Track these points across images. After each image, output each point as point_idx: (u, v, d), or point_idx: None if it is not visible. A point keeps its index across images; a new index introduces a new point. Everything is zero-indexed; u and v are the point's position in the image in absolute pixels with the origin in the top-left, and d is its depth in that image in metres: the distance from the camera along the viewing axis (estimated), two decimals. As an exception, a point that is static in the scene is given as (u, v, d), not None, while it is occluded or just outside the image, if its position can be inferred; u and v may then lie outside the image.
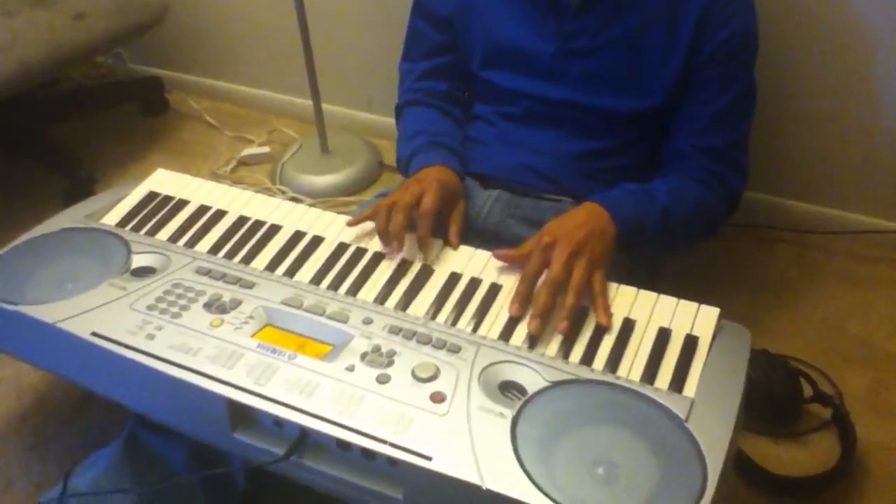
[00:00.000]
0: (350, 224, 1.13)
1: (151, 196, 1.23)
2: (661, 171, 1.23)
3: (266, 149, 1.96)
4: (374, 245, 1.11)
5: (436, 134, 1.25)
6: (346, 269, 1.07)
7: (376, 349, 0.93)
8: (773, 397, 1.21)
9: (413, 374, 0.89)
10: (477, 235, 1.18)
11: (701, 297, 1.00)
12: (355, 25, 1.86)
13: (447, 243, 1.11)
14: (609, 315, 0.98)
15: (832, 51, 1.44)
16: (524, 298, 0.99)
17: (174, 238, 1.14)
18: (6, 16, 1.63)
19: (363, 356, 0.92)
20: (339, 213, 1.19)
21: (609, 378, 0.90)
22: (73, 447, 1.23)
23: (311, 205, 1.67)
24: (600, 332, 0.96)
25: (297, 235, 1.13)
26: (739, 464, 1.16)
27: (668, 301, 1.00)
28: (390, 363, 0.91)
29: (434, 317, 0.99)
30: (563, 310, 0.96)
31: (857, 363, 1.36)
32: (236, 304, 1.00)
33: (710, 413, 0.85)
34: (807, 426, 1.24)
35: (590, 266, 0.99)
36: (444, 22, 1.29)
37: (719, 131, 1.19)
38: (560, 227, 1.02)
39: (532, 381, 0.90)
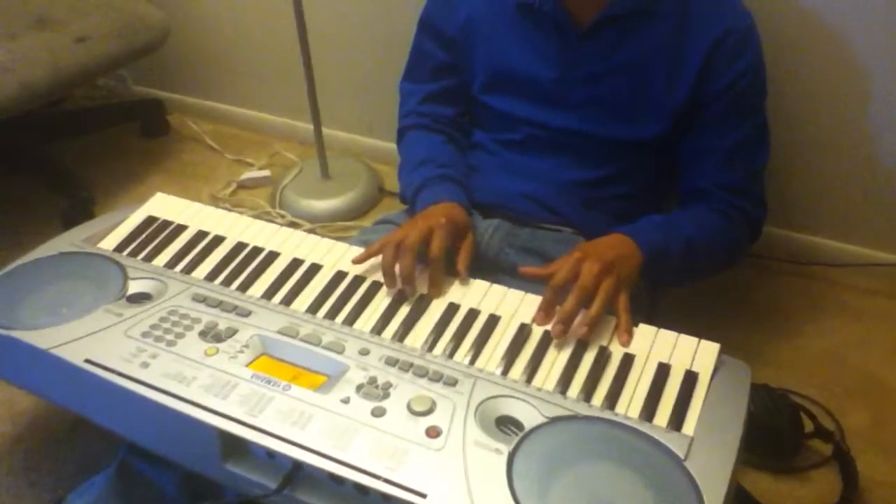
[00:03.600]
0: (356, 261, 1.11)
1: (149, 221, 1.23)
2: (682, 208, 1.23)
3: (266, 172, 1.96)
4: (372, 275, 1.10)
5: (444, 165, 1.23)
6: (343, 297, 1.06)
7: (372, 381, 0.92)
8: (774, 432, 1.19)
9: (409, 408, 0.88)
10: (477, 265, 1.17)
11: (701, 328, 0.99)
12: (357, 50, 1.87)
13: (453, 274, 1.09)
14: (630, 335, 0.99)
15: (833, 84, 1.44)
16: (550, 305, 1.01)
17: (171, 264, 1.14)
18: (9, 38, 1.63)
19: (359, 388, 0.91)
20: (338, 238, 1.18)
21: (607, 414, 0.89)
22: (65, 474, 1.21)
23: (311, 230, 1.68)
24: (599, 367, 0.95)
25: (295, 263, 1.13)
26: (739, 499, 1.14)
27: (667, 336, 0.99)
28: (386, 395, 0.90)
29: (431, 348, 0.98)
30: (585, 316, 0.98)
31: (858, 397, 1.35)
32: (232, 332, 0.99)
33: (709, 452, 0.84)
34: (807, 462, 1.23)
35: (617, 284, 1.01)
36: (449, 41, 1.27)
37: (738, 166, 1.19)
38: (591, 247, 1.06)
39: (529, 416, 0.89)
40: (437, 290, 1.06)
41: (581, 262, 1.01)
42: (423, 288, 1.07)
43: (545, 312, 1.01)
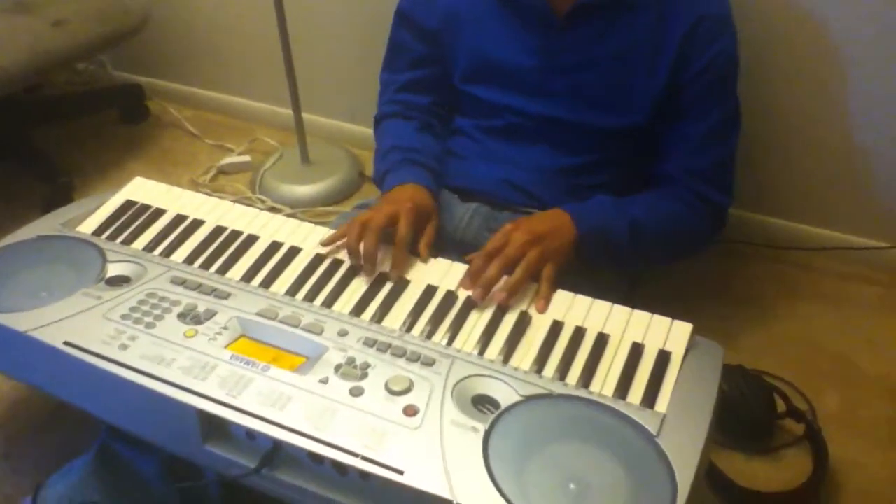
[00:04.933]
0: (323, 243, 1.12)
1: (128, 204, 1.23)
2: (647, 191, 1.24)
3: (246, 157, 1.95)
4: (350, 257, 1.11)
5: (410, 150, 1.25)
6: (322, 280, 1.07)
7: (350, 361, 0.93)
8: (747, 412, 1.21)
9: (386, 388, 0.89)
10: (455, 248, 1.18)
11: (678, 312, 1.00)
12: (337, 35, 1.86)
13: (416, 254, 1.11)
14: (547, 302, 1.03)
15: (810, 73, 1.46)
16: (478, 273, 1.04)
17: (150, 247, 1.14)
18: (-14, 21, 1.62)
19: (337, 368, 0.92)
20: (317, 223, 1.19)
21: (582, 393, 0.90)
22: (46, 458, 1.22)
23: (291, 214, 1.68)
24: (574, 346, 0.96)
25: (274, 246, 1.13)
26: (712, 478, 1.16)
27: (641, 316, 1.00)
28: (364, 376, 0.91)
29: (409, 329, 0.99)
30: (507, 283, 1.03)
31: (833, 380, 1.37)
32: (211, 314, 1.00)
33: (681, 428, 0.86)
34: (780, 442, 1.25)
35: (543, 254, 1.05)
36: (428, 34, 1.28)
37: (706, 152, 1.20)
38: (526, 220, 1.10)
39: (505, 395, 0.90)
40: (398, 270, 1.07)
41: (511, 233, 1.06)
42: (386, 267, 1.08)
43: (471, 279, 1.05)
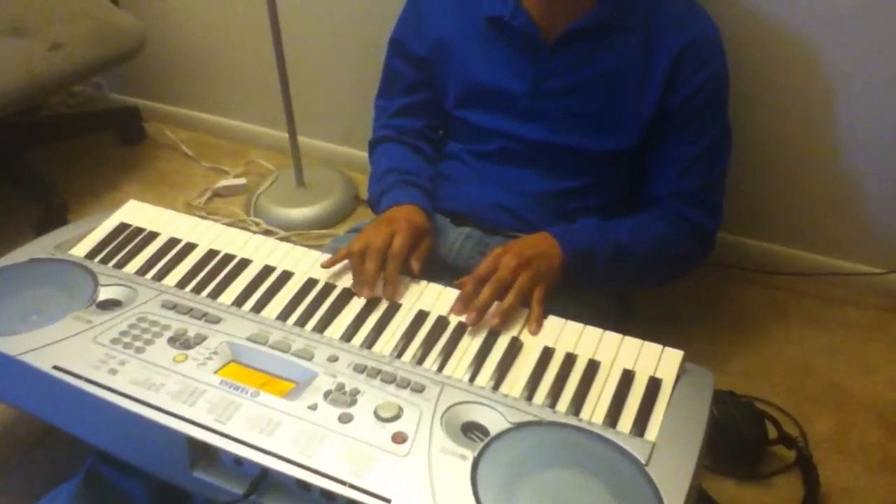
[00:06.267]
0: (324, 266, 1.13)
1: (121, 228, 1.23)
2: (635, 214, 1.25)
3: (242, 180, 1.96)
4: (343, 281, 1.11)
5: (405, 172, 1.26)
6: (313, 305, 1.07)
7: (340, 387, 0.93)
8: (738, 439, 1.21)
9: (375, 414, 0.89)
10: (447, 272, 1.18)
11: (668, 337, 1.01)
12: (332, 59, 1.88)
13: (410, 274, 1.11)
14: (538, 325, 1.04)
15: (800, 95, 1.47)
16: (469, 298, 1.05)
17: (142, 271, 1.14)
18: (-18, 44, 1.63)
19: (326, 394, 0.92)
20: (311, 247, 1.19)
21: (572, 420, 0.90)
22: (34, 481, 1.21)
23: (284, 238, 1.68)
24: (565, 373, 0.96)
25: (267, 270, 1.13)
26: (704, 505, 1.16)
27: (632, 343, 1.01)
28: (353, 402, 0.91)
29: (400, 355, 0.99)
30: (500, 307, 1.04)
31: (823, 405, 1.37)
32: (201, 339, 1.00)
33: (670, 457, 0.86)
34: (771, 468, 1.25)
35: (533, 278, 1.07)
36: (420, 61, 1.30)
37: (694, 175, 1.21)
38: (514, 244, 1.11)
39: (495, 422, 0.90)
40: (392, 288, 1.08)
41: (500, 257, 1.07)
42: (378, 289, 1.09)
43: (463, 303, 1.05)
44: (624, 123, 1.20)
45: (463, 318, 1.04)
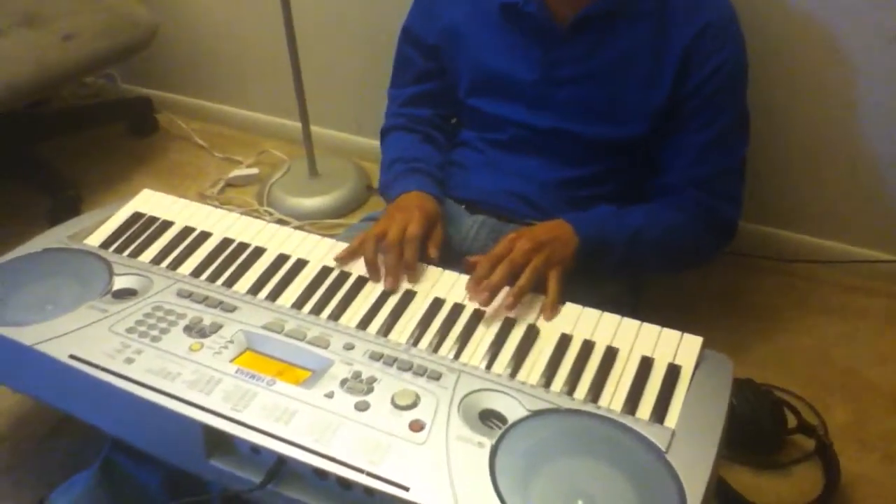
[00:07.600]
0: (337, 259, 1.12)
1: (136, 217, 1.23)
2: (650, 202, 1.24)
3: (254, 170, 1.96)
4: (358, 269, 1.10)
5: (413, 160, 1.26)
6: (328, 293, 1.07)
7: (356, 375, 0.92)
8: (757, 427, 1.20)
9: (392, 402, 0.88)
10: (462, 260, 1.18)
11: (685, 325, 1.00)
12: (345, 49, 1.87)
13: (426, 260, 1.11)
14: (555, 311, 1.03)
15: (817, 84, 1.45)
16: (481, 278, 1.04)
17: (157, 260, 1.14)
18: (-5, 35, 1.63)
19: (343, 382, 0.91)
20: (324, 235, 1.18)
21: (590, 408, 0.89)
22: (50, 471, 1.21)
23: (298, 227, 1.67)
24: (583, 360, 0.96)
25: (281, 258, 1.13)
26: (721, 494, 1.15)
27: (651, 329, 1.00)
28: (370, 390, 0.90)
29: (416, 343, 0.99)
30: (513, 289, 1.03)
31: (842, 393, 1.36)
32: (217, 327, 0.99)
33: (690, 444, 0.85)
34: (790, 457, 1.24)
35: (547, 262, 1.06)
36: (431, 50, 1.30)
37: (709, 162, 1.19)
38: (529, 229, 1.11)
39: (512, 409, 0.89)
40: (411, 272, 1.08)
41: (515, 241, 1.07)
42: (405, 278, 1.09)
43: (476, 283, 1.04)
44: (636, 111, 1.18)
45: (475, 300, 1.03)
